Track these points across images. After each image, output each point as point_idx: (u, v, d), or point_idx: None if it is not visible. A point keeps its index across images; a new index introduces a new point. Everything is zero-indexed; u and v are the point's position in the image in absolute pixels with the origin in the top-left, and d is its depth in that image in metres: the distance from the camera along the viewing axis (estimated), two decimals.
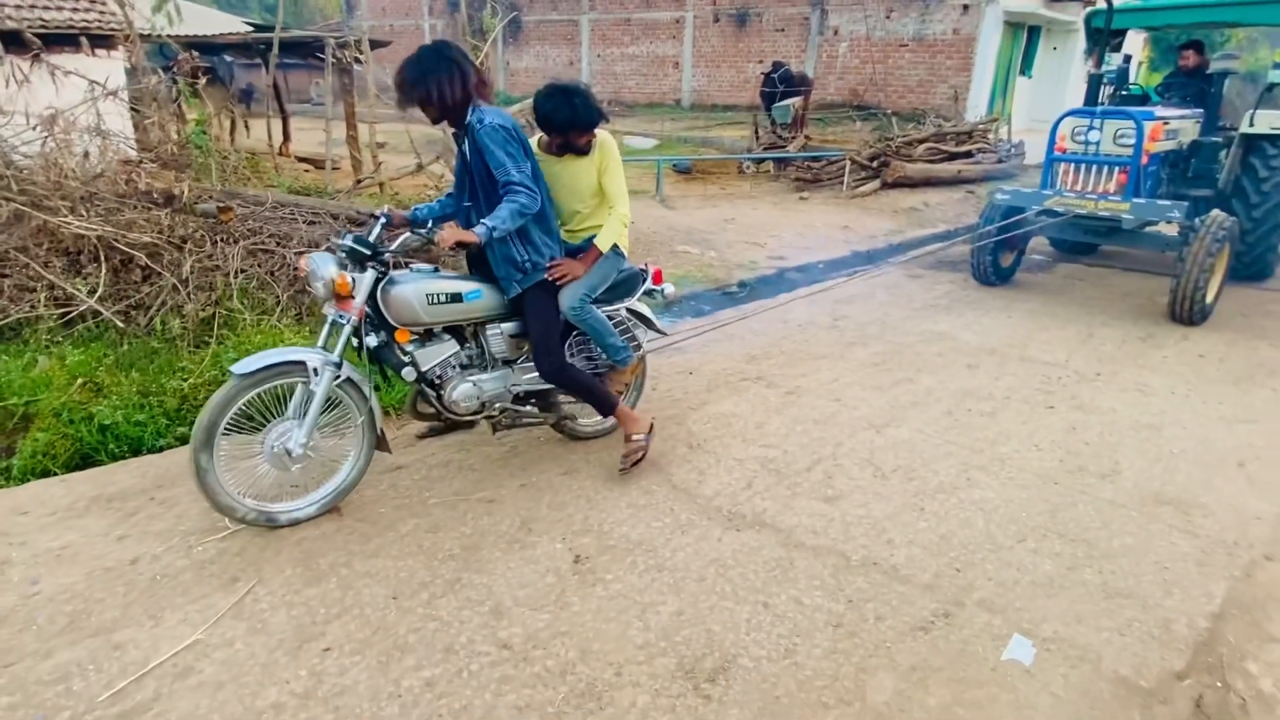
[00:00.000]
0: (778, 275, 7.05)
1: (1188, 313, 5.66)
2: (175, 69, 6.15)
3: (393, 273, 2.96)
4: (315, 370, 2.81)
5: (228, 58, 13.37)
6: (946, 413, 4.15)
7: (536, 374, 3.27)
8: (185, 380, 3.78)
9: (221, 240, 4.70)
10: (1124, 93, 7.10)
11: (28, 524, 2.93)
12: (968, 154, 11.83)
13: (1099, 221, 6.06)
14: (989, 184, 11.34)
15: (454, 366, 3.15)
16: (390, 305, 2.92)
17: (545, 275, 3.13)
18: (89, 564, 2.71)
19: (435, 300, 2.99)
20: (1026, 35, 16.80)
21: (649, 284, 3.65)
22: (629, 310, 3.58)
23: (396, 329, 2.98)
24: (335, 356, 2.84)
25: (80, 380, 3.69)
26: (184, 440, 3.61)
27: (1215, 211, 5.84)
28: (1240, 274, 6.68)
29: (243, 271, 4.55)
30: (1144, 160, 5.88)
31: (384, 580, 2.65)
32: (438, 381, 3.11)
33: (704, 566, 2.79)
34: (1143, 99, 7.13)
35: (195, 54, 6.62)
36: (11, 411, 3.58)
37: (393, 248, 2.95)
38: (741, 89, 18.57)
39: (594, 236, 3.26)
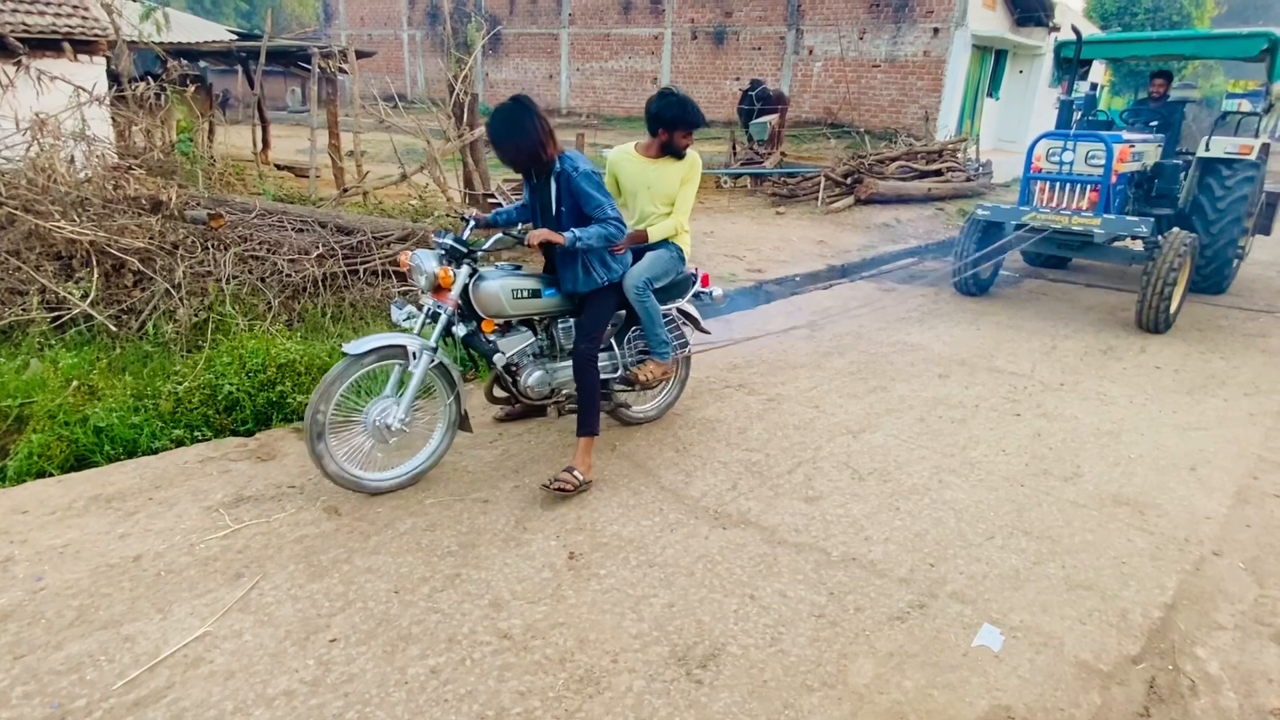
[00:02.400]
0: (756, 287, 7.24)
1: (1153, 321, 6.04)
2: (164, 76, 6.19)
3: (482, 269, 3.30)
4: (414, 354, 3.13)
5: (202, 64, 13.34)
6: (919, 419, 4.34)
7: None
8: (180, 384, 3.83)
9: (213, 246, 4.76)
10: (1091, 118, 7.51)
11: (29, 522, 2.98)
12: (938, 172, 12.20)
13: (1072, 236, 6.42)
14: (958, 202, 11.71)
15: (529, 355, 3.50)
16: (480, 298, 3.25)
17: (611, 279, 3.52)
18: (93, 560, 2.76)
19: (519, 295, 3.35)
20: (994, 59, 17.35)
21: (698, 286, 4.01)
22: (679, 310, 3.94)
23: (483, 319, 3.31)
24: (432, 343, 3.17)
25: (75, 383, 3.73)
26: (180, 442, 3.68)
27: (1176, 229, 6.21)
28: (1198, 287, 7.12)
29: (234, 277, 4.61)
30: (1113, 180, 6.25)
31: (385, 575, 2.75)
32: (514, 369, 3.45)
33: (693, 562, 2.92)
34: (1108, 124, 7.55)
35: (184, 61, 6.65)
36: (5, 413, 3.61)
37: (486, 246, 3.35)
38: (719, 105, 18.89)
39: (666, 243, 3.73)
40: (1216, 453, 4.06)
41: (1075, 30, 7.06)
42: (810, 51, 17.54)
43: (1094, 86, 7.80)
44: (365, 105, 8.70)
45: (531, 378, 3.46)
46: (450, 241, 3.23)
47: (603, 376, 3.63)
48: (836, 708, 2.25)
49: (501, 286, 3.30)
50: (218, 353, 4.08)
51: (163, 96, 6.21)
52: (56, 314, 4.21)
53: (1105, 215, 6.19)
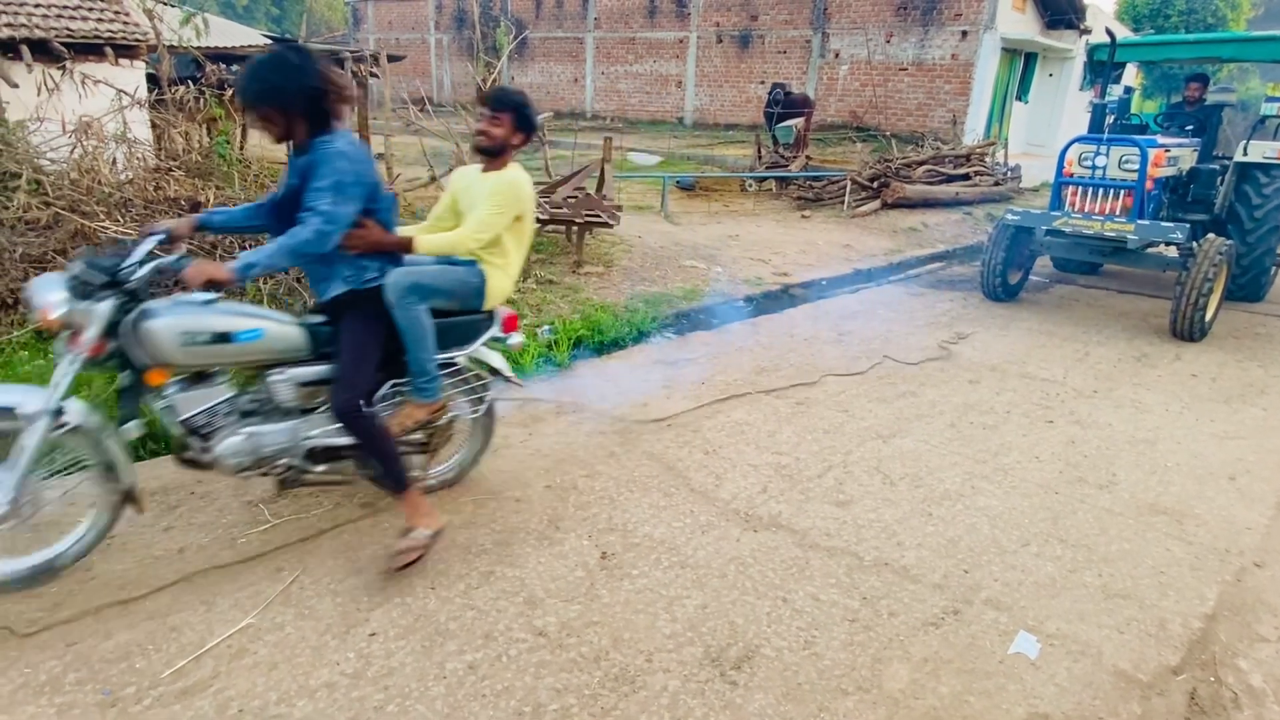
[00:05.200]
0: (783, 291, 7.23)
1: (1188, 329, 5.94)
2: (202, 79, 6.32)
3: (151, 303, 2.49)
4: (28, 417, 2.38)
5: (235, 68, 13.60)
6: (950, 425, 4.31)
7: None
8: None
9: (250, 246, 4.84)
10: (1124, 122, 7.42)
11: None
12: (965, 176, 12.09)
13: (1104, 242, 6.34)
14: (986, 206, 11.60)
15: (227, 414, 2.66)
16: (144, 342, 2.45)
17: (368, 284, 2.71)
18: (139, 552, 2.83)
19: (195, 340, 2.49)
20: (1024, 61, 17.17)
21: (496, 331, 3.18)
22: (472, 360, 3.16)
23: (151, 369, 2.51)
24: (54, 401, 2.40)
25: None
26: None
27: (1211, 235, 6.12)
28: (1234, 295, 6.99)
29: (273, 278, 4.69)
30: (1148, 185, 6.17)
31: (422, 572, 2.79)
32: (205, 431, 2.62)
33: (725, 564, 2.93)
34: (1142, 128, 7.46)
35: (223, 66, 6.79)
36: None
37: (136, 275, 2.44)
38: (743, 108, 18.87)
39: (472, 262, 3.00)
40: (1256, 462, 3.99)
41: (1109, 32, 6.99)
42: (836, 55, 17.47)
43: (1127, 90, 7.69)
44: (395, 109, 8.82)
45: (222, 445, 2.61)
46: (79, 270, 2.41)
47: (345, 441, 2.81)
48: (872, 712, 2.25)
49: (169, 327, 2.45)
50: None
51: (201, 100, 6.34)
52: None
53: (1139, 221, 6.11)
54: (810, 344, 5.68)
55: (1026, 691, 2.36)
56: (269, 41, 10.46)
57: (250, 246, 4.67)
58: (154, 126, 6.70)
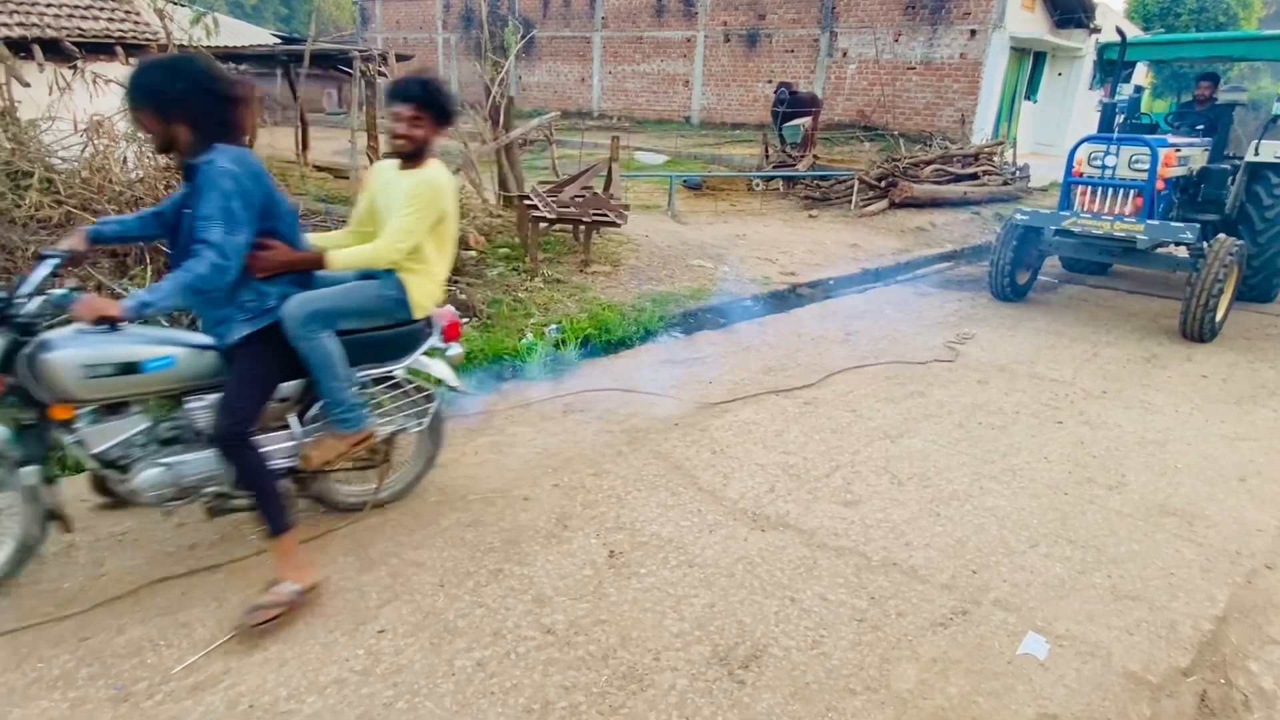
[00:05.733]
0: (790, 290, 7.22)
1: (1199, 330, 5.90)
2: None
3: (50, 334, 2.34)
4: None
5: (243, 67, 13.65)
6: (958, 425, 4.30)
7: (265, 450, 2.63)
8: None
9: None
10: (1134, 121, 7.38)
11: (87, 510, 3.07)
12: (974, 176, 12.05)
13: (1114, 242, 6.32)
14: (994, 206, 11.56)
15: (144, 445, 2.52)
16: (42, 377, 2.30)
17: (270, 320, 2.53)
18: (150, 548, 2.85)
19: (97, 373, 2.33)
20: (1032, 61, 17.10)
21: (435, 340, 3.03)
22: (410, 372, 3.00)
23: (52, 404, 2.37)
24: None
25: None
26: None
27: (1222, 235, 6.08)
28: (1244, 296, 6.94)
29: None
30: (1158, 185, 6.14)
31: (431, 569, 2.80)
32: (122, 464, 2.49)
33: (732, 563, 2.93)
34: (1152, 128, 7.42)
35: (233, 65, 6.82)
36: None
37: (26, 309, 2.30)
38: (750, 108, 18.85)
39: (392, 272, 2.77)
40: (1267, 464, 3.97)
41: (1120, 32, 6.96)
42: (844, 54, 17.43)
43: (1137, 89, 7.65)
44: None
45: (140, 478, 2.48)
46: None
47: (283, 464, 2.71)
48: (880, 712, 2.25)
49: (68, 360, 2.29)
50: None
51: None
52: None
53: (1149, 221, 6.09)
54: (818, 344, 5.67)
55: (1035, 692, 2.35)
56: (278, 41, 10.50)
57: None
58: None
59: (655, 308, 5.91)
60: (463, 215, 7.27)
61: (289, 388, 2.72)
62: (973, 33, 15.60)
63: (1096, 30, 16.49)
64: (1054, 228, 6.57)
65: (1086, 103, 16.98)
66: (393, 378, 2.95)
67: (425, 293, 2.85)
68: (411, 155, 2.75)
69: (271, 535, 2.55)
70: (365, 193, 2.93)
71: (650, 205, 10.39)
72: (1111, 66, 7.17)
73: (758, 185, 12.41)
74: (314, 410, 2.79)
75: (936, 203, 11.22)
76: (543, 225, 6.82)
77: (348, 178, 8.52)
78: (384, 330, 2.84)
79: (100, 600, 2.56)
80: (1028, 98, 17.41)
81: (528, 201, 6.75)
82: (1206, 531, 3.30)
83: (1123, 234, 6.15)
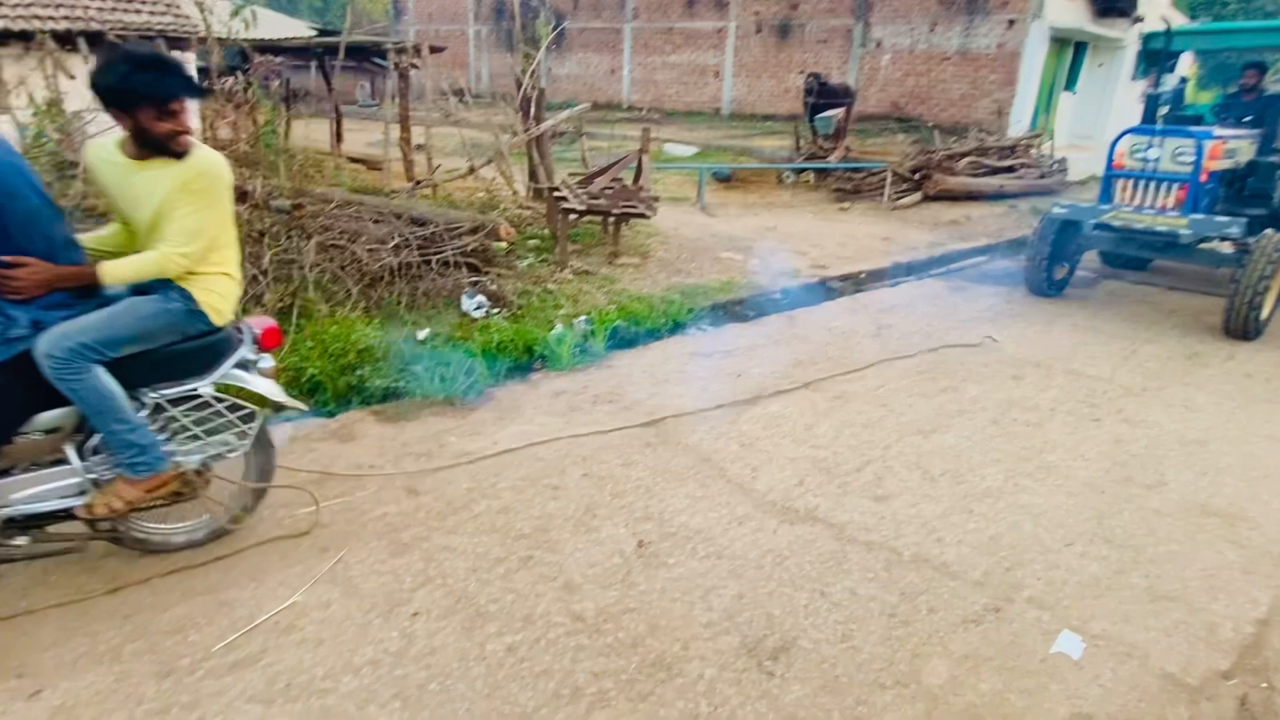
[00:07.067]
0: (821, 284, 7.16)
1: (1242, 328, 5.75)
2: (252, 71, 6.46)
3: None
4: None
5: (278, 59, 13.86)
6: (992, 421, 4.24)
7: (45, 487, 2.38)
8: None
9: (296, 235, 4.95)
10: (1178, 113, 7.19)
11: None
12: (1010, 169, 11.82)
13: (1155, 236, 6.17)
14: (1031, 199, 11.33)
15: None
16: None
17: (17, 350, 2.21)
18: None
19: None
20: (1073, 51, 16.70)
21: (246, 352, 2.67)
22: (221, 389, 2.61)
23: None
24: None
25: None
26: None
27: (1270, 230, 5.91)
28: None
29: (316, 265, 4.79)
30: (1203, 178, 5.98)
31: (463, 554, 2.84)
32: None
33: (761, 556, 2.93)
34: (1197, 119, 7.22)
35: (273, 58, 6.93)
36: None
37: None
38: (782, 99, 18.66)
39: (165, 284, 2.42)
40: None
41: (1165, 21, 6.77)
42: (878, 44, 17.17)
43: (1183, 80, 7.46)
44: (435, 100, 8.91)
45: None
46: None
47: (61, 504, 2.42)
48: (910, 707, 2.24)
49: None
50: (301, 337, 4.25)
51: (249, 91, 6.47)
52: None
53: (1193, 215, 5.93)
54: (848, 338, 5.62)
55: (1069, 691, 2.32)
56: (313, 33, 10.64)
57: None
58: (203, 117, 6.87)
59: (684, 300, 5.90)
60: (493, 207, 7.32)
61: (53, 417, 2.32)
62: (1011, 22, 15.27)
63: (1139, 19, 16.04)
64: (1093, 221, 6.43)
65: (1127, 95, 16.55)
66: (198, 396, 2.55)
67: (222, 295, 2.52)
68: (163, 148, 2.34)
69: None
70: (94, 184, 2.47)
71: (679, 197, 10.36)
72: (1156, 56, 7.00)
73: (789, 178, 12.31)
74: (96, 440, 2.42)
75: (971, 196, 11.03)
76: (572, 217, 6.84)
77: (380, 169, 8.61)
78: (179, 344, 2.49)
79: (143, 578, 2.63)
80: (1067, 89, 17.01)
81: (557, 193, 6.77)
82: (1249, 533, 3.22)
83: (1165, 228, 6.00)
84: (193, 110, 6.93)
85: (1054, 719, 2.22)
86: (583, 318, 5.22)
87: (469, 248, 5.57)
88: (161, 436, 2.53)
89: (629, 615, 2.56)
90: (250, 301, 4.55)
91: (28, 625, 2.40)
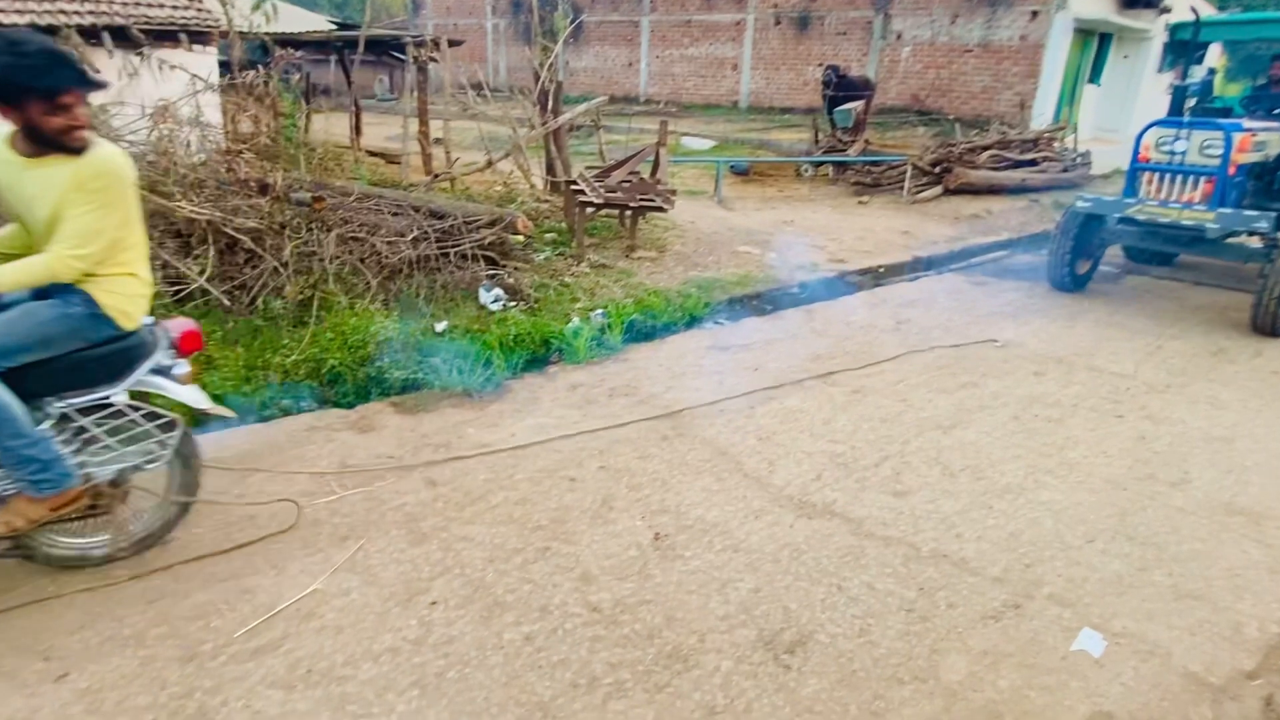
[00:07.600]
0: (839, 278, 7.11)
1: (1271, 324, 5.65)
2: (273, 65, 6.51)
3: None
4: None
5: (298, 53, 13.96)
6: (1013, 417, 4.19)
7: None
8: (287, 357, 4.05)
9: (316, 228, 4.99)
10: (1206, 105, 7.06)
11: None
12: (1032, 162, 11.66)
13: (1181, 231, 6.07)
14: (1054, 193, 11.18)
15: None
16: None
17: None
18: (213, 518, 2.96)
19: None
20: (1097, 42, 16.43)
21: (163, 355, 2.54)
22: (139, 396, 2.50)
23: None
24: None
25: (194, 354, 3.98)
26: (287, 412, 3.89)
27: None
28: None
29: (336, 258, 4.83)
30: (1231, 171, 5.88)
31: (480, 544, 2.85)
32: None
33: (778, 549, 2.92)
34: (1225, 112, 7.09)
35: (294, 52, 6.98)
36: None
37: None
38: (800, 91, 18.53)
39: (66, 289, 2.29)
40: None
41: (1193, 11, 6.64)
42: (899, 36, 16.99)
43: (1211, 72, 7.32)
44: (453, 94, 8.93)
45: None
46: None
47: None
48: (929, 702, 2.23)
49: None
50: (322, 329, 4.29)
51: (269, 84, 6.53)
52: (177, 288, 4.50)
53: (1220, 209, 5.82)
54: (867, 332, 5.58)
55: (1090, 689, 2.30)
56: (333, 27, 10.70)
57: None
58: (224, 110, 6.94)
59: (701, 294, 5.89)
60: (511, 200, 7.33)
61: None
62: (1034, 14, 15.05)
63: (1167, 10, 15.74)
64: (1118, 215, 6.33)
65: (1153, 87, 16.28)
66: (110, 405, 2.41)
67: (129, 297, 2.38)
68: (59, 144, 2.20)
69: None
70: None
71: (697, 191, 10.32)
72: (1183, 48, 6.86)
73: (807, 171, 12.22)
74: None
75: (993, 189, 10.90)
76: (589, 210, 6.84)
77: (399, 162, 8.65)
78: (84, 350, 2.35)
79: (166, 565, 2.67)
80: (1091, 81, 16.75)
81: (575, 187, 6.77)
82: (1276, 532, 3.17)
83: (1191, 222, 5.89)
84: (215, 104, 7.00)
85: (1074, 717, 2.20)
86: (599, 311, 5.22)
87: (486, 241, 5.59)
88: (70, 448, 2.39)
89: (645, 607, 2.57)
90: (270, 294, 4.60)
91: (55, 609, 2.45)
